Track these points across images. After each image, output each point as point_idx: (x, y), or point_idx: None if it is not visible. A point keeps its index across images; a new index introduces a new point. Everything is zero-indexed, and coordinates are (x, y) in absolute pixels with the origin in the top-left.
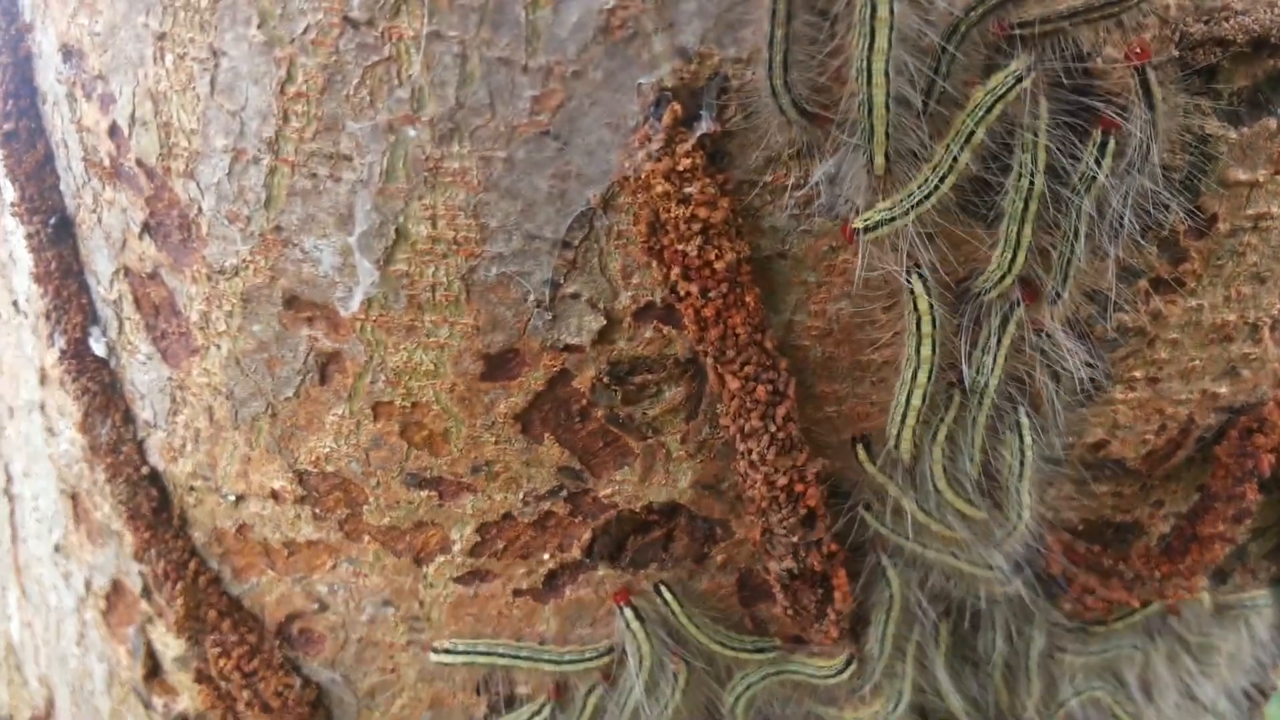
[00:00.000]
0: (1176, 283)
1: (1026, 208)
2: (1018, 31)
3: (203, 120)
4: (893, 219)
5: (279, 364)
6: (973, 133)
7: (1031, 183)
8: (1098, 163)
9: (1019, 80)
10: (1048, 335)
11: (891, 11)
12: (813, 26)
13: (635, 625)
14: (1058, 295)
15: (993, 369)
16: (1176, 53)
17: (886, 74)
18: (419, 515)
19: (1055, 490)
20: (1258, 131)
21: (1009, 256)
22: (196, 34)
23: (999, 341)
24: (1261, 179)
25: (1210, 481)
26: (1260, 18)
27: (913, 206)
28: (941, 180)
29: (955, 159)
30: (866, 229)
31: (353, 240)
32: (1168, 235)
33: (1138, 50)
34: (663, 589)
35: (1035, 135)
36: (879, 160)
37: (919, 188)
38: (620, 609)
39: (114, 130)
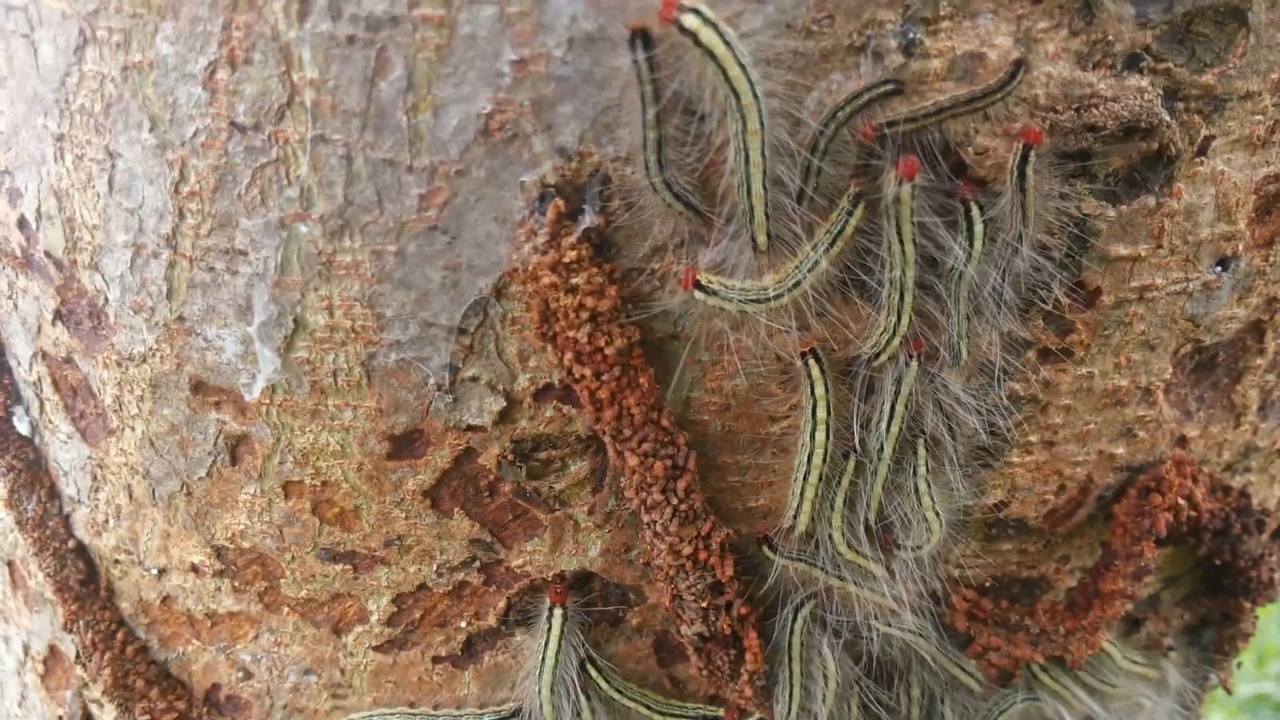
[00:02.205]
0: (1064, 353)
1: (903, 280)
2: (886, 131)
3: (104, 216)
4: (733, 302)
5: (190, 445)
6: (816, 264)
7: (904, 263)
8: (969, 237)
9: (850, 215)
10: (945, 388)
11: (756, 97)
12: (683, 128)
13: (557, 623)
14: (956, 358)
15: (889, 428)
16: (1048, 140)
17: (763, 154)
18: (335, 587)
19: (961, 548)
20: (1136, 209)
21: (893, 321)
22: (93, 136)
23: (895, 397)
24: (1144, 253)
25: (1111, 539)
26: (1130, 104)
27: (750, 301)
28: (781, 294)
29: (798, 281)
30: (702, 286)
31: (253, 330)
32: (1052, 309)
33: (1030, 134)
34: (589, 666)
35: (900, 221)
36: (760, 239)
37: (768, 288)
38: (550, 609)
39: (23, 223)
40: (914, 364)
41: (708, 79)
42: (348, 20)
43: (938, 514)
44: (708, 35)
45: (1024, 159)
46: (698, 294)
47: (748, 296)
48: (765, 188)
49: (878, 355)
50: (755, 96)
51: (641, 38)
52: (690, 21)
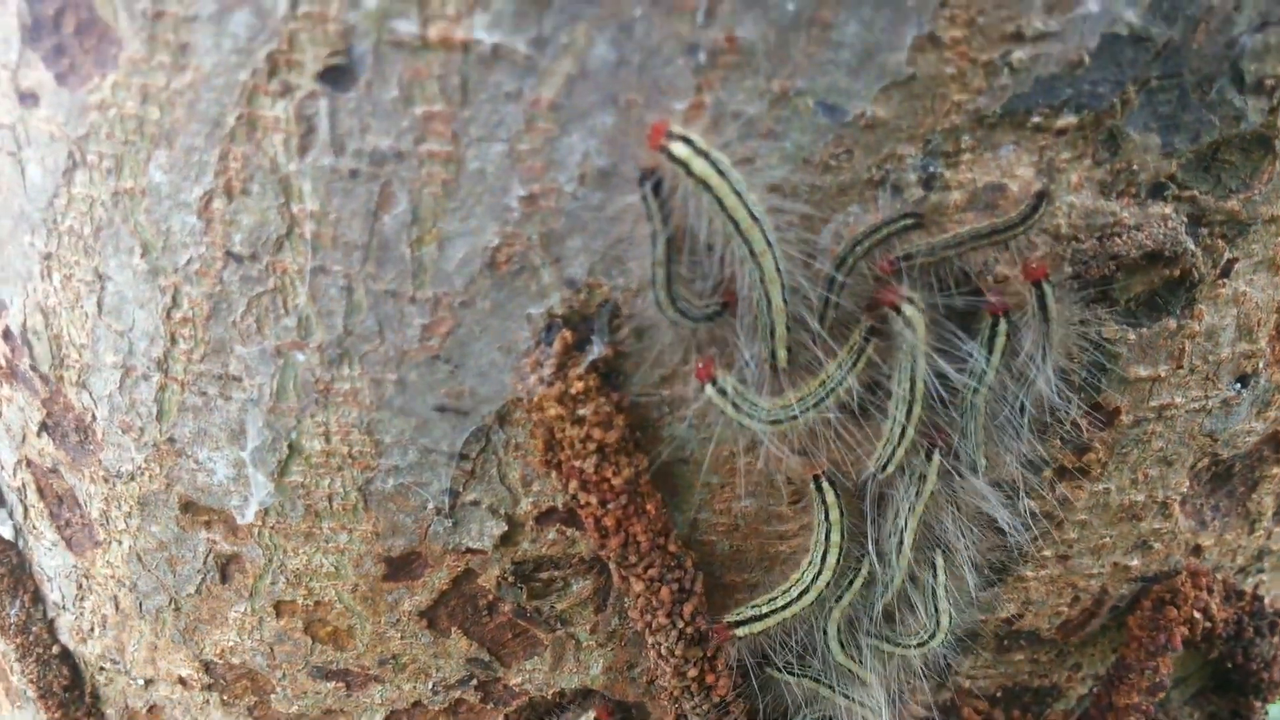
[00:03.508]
0: (1081, 471)
1: (912, 394)
2: (902, 265)
3: (92, 337)
4: (754, 419)
5: (179, 562)
6: (842, 381)
7: (912, 390)
8: (988, 350)
9: (866, 344)
10: (965, 491)
11: (756, 219)
12: (695, 262)
13: None
14: (974, 468)
15: (907, 527)
16: (1070, 269)
17: (778, 269)
18: (327, 704)
19: (973, 659)
20: (1157, 331)
21: (899, 432)
22: (81, 258)
23: (916, 497)
24: (1163, 374)
25: (1125, 652)
26: (1154, 233)
27: (772, 421)
28: (807, 410)
29: (822, 399)
30: (720, 388)
31: (246, 455)
32: (1069, 430)
33: (1034, 267)
34: None
35: (914, 354)
36: (781, 353)
37: (791, 405)
38: None
39: (8, 334)
40: (936, 457)
41: (704, 209)
42: (351, 155)
43: (951, 617)
44: (700, 166)
45: (1040, 292)
46: (712, 393)
47: (768, 415)
48: (785, 300)
49: (885, 467)
50: (754, 218)
51: (652, 178)
52: (680, 151)
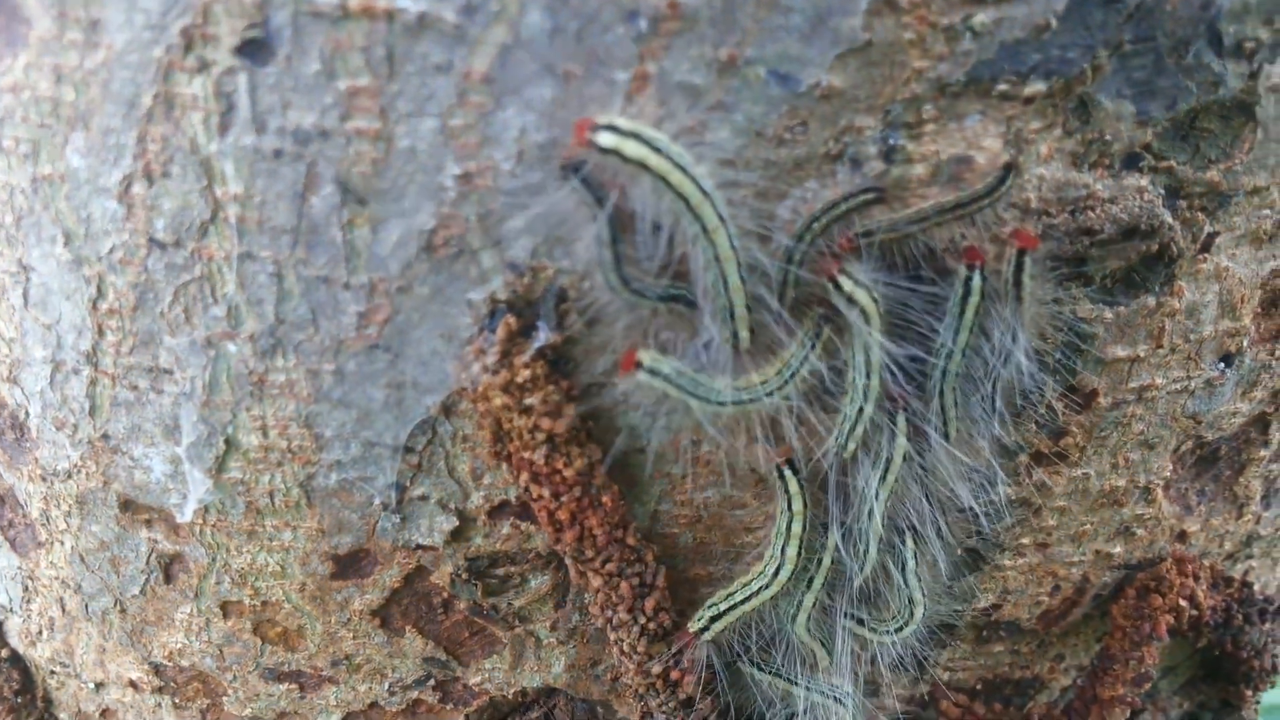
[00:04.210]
0: (1059, 456)
1: (869, 379)
2: (862, 243)
3: (20, 330)
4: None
5: (122, 562)
6: (805, 360)
7: (868, 365)
8: (961, 310)
9: (819, 336)
10: (937, 465)
11: (706, 194)
12: (644, 242)
13: None
14: (945, 435)
15: (879, 497)
16: (1043, 246)
17: (733, 246)
18: (281, 706)
19: (951, 651)
20: (1135, 310)
21: (858, 408)
22: (5, 248)
23: (887, 468)
24: (1143, 353)
25: (1109, 643)
26: (1129, 206)
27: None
28: (771, 392)
29: (787, 381)
30: (645, 366)
31: (181, 450)
32: (1044, 414)
33: (1031, 235)
34: None
35: (864, 327)
36: (743, 334)
37: (756, 386)
38: None
39: None
40: (901, 419)
41: (646, 188)
42: (274, 134)
43: (924, 597)
44: (632, 148)
45: (1019, 265)
46: (645, 378)
47: (724, 396)
48: (743, 279)
49: (845, 444)
50: (704, 193)
51: (575, 170)
52: (607, 140)
